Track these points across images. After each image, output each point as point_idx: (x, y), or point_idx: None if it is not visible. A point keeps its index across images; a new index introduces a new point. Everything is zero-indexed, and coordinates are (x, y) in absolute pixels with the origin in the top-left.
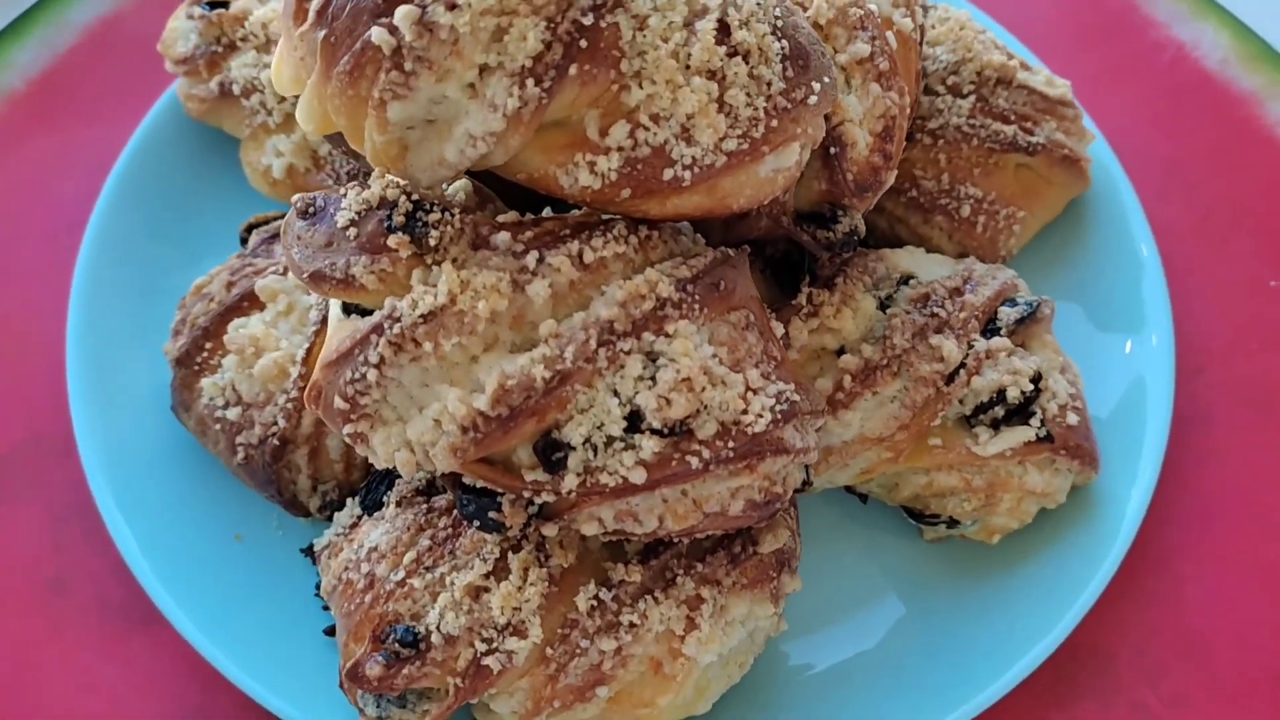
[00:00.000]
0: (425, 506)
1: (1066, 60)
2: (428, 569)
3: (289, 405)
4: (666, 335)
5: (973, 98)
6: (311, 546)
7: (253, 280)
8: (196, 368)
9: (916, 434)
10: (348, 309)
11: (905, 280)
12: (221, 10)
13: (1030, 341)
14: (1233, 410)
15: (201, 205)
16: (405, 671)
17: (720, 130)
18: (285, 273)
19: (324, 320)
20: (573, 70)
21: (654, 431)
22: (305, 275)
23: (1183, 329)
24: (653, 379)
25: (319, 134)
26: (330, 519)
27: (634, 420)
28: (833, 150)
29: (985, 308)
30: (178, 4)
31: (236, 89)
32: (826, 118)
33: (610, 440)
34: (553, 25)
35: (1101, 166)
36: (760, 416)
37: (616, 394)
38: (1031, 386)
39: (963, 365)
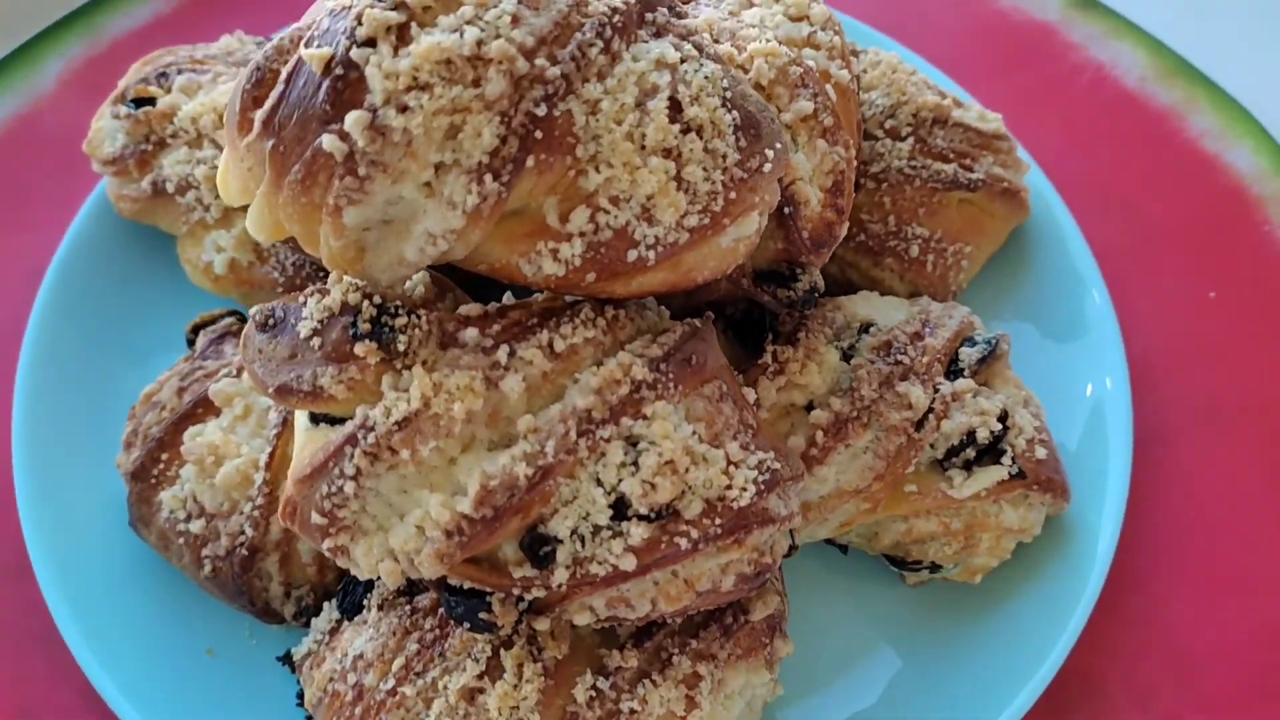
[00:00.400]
0: (409, 608)
1: (990, 88)
2: (418, 674)
3: (255, 513)
4: (645, 418)
5: (911, 140)
6: (289, 655)
7: (205, 385)
8: (153, 480)
9: (892, 483)
10: (316, 418)
11: (865, 328)
12: (148, 108)
13: (992, 379)
14: (1189, 425)
15: (142, 307)
16: None
17: (681, 208)
18: (239, 374)
19: (285, 423)
20: (530, 161)
21: (640, 517)
22: (271, 390)
23: (1131, 348)
24: (635, 464)
25: (270, 240)
26: (307, 625)
27: (620, 507)
28: (787, 210)
29: (946, 350)
30: (97, 98)
31: (170, 187)
32: (779, 179)
33: (597, 529)
34: (507, 119)
35: (1038, 194)
36: (744, 490)
37: (600, 483)
38: (1000, 425)
39: (930, 410)
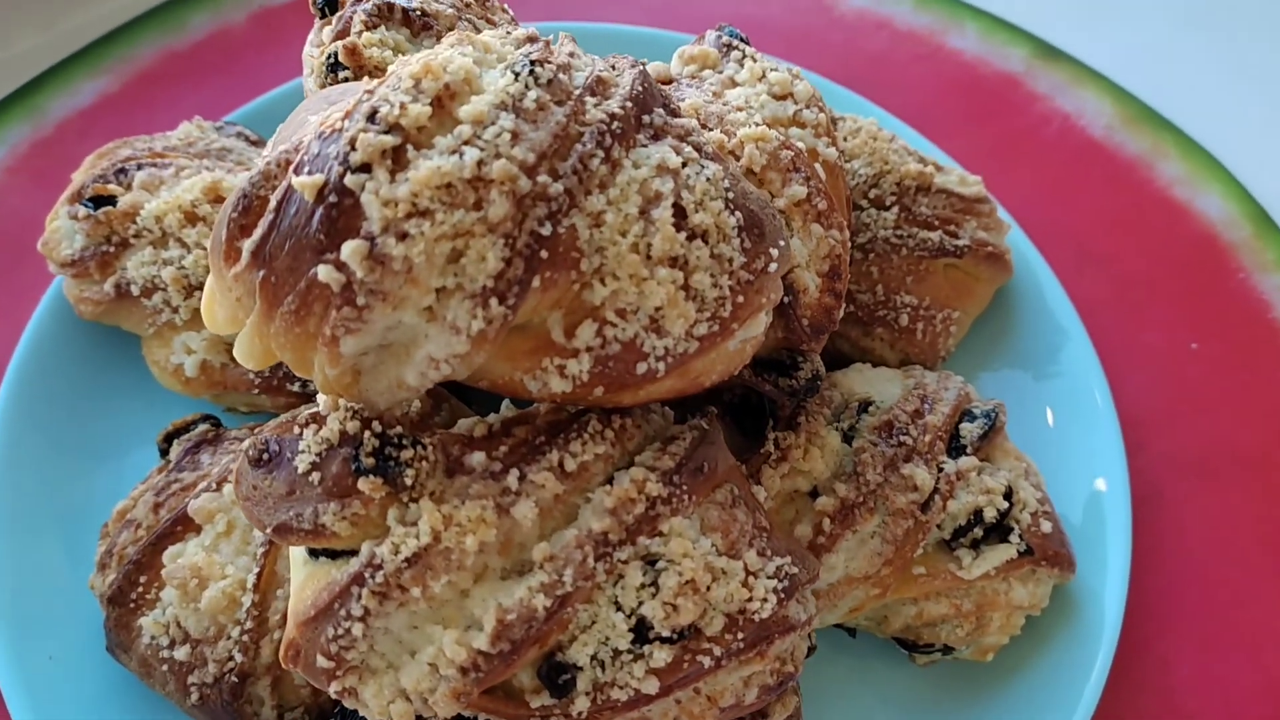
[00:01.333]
0: None
1: (961, 141)
2: None
3: (244, 638)
4: (661, 535)
5: (896, 208)
6: None
7: (183, 500)
8: (132, 605)
9: (901, 566)
10: (315, 552)
11: (865, 407)
12: (109, 208)
13: (993, 452)
14: (1180, 482)
15: (109, 406)
16: None
17: (691, 318)
18: (219, 487)
19: (272, 543)
20: (536, 282)
21: (662, 639)
22: (269, 530)
23: (1120, 403)
24: (655, 585)
25: (260, 367)
26: None
27: (641, 630)
28: (786, 299)
29: (946, 426)
30: (45, 183)
31: (135, 289)
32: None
33: (618, 653)
34: (511, 241)
35: (1018, 252)
36: (765, 601)
37: (619, 606)
38: (1006, 504)
39: (936, 491)
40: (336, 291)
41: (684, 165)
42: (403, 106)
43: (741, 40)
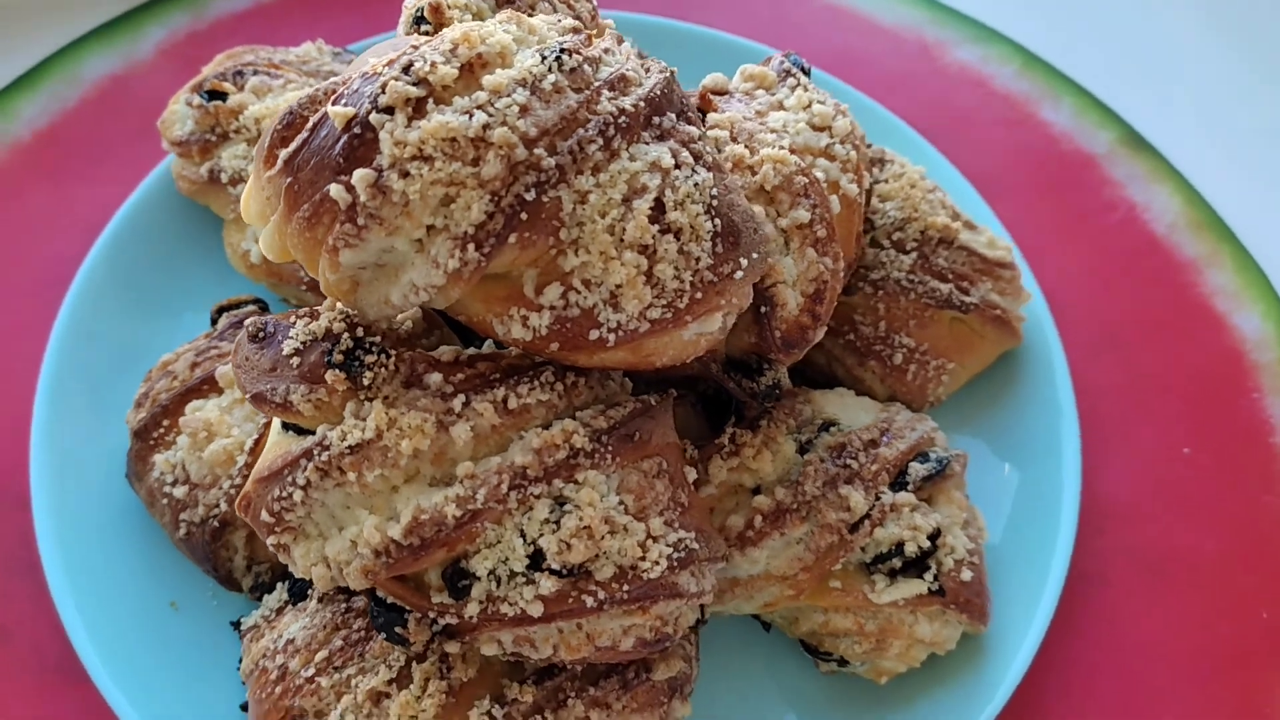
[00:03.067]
0: (344, 606)
1: (1021, 210)
2: (337, 669)
3: (232, 490)
4: (576, 483)
5: (915, 254)
6: (239, 622)
7: (216, 365)
8: (152, 442)
9: (818, 575)
10: (286, 426)
11: (827, 426)
12: (219, 102)
13: (937, 496)
14: (1129, 573)
15: (183, 279)
16: None
17: (645, 300)
18: None
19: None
20: (512, 239)
21: (553, 571)
22: (248, 396)
23: (1093, 487)
24: (557, 524)
25: (280, 260)
26: (260, 599)
27: (536, 559)
28: (763, 309)
29: (897, 461)
30: (189, 72)
31: (224, 177)
32: (760, 278)
33: (513, 575)
34: (496, 198)
35: (1035, 324)
36: (657, 564)
37: (523, 534)
38: (929, 543)
39: (867, 516)
40: (343, 209)
41: (677, 167)
42: (434, 65)
43: (802, 70)
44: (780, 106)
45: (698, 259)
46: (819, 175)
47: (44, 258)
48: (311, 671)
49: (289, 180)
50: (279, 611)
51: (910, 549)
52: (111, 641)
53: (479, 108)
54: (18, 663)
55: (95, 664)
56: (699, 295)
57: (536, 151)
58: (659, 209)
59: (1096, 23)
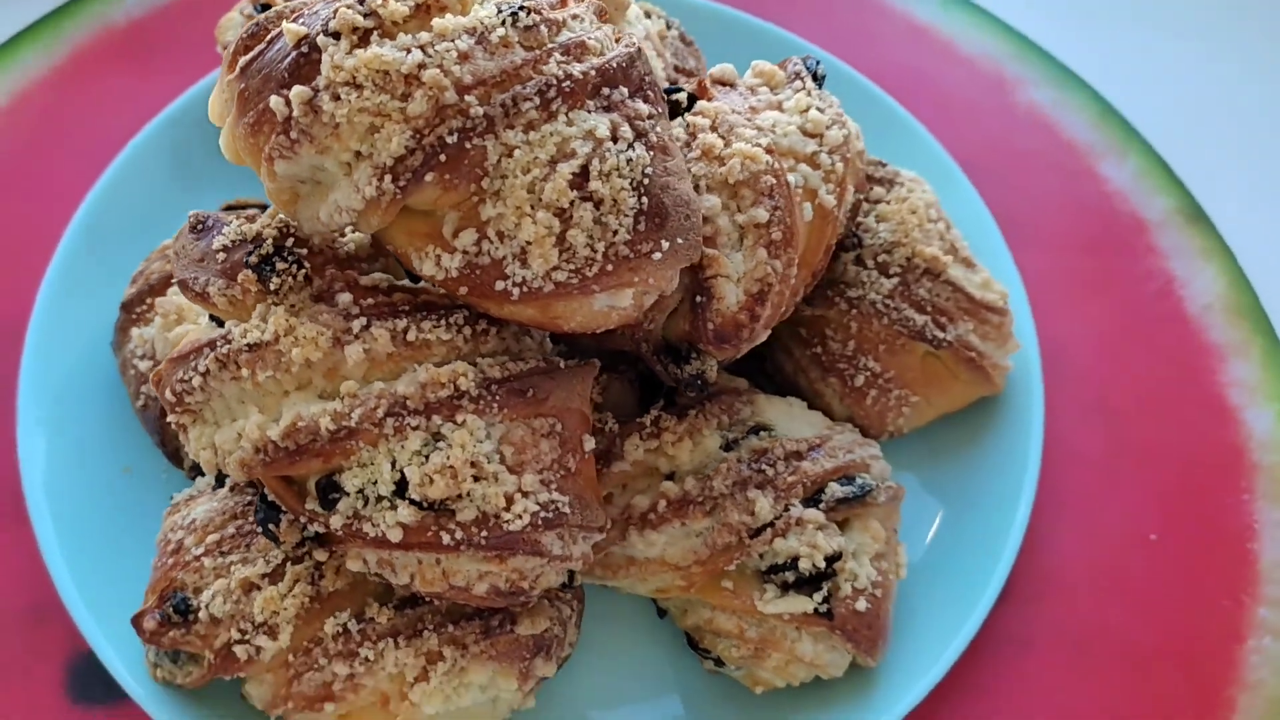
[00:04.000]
0: (247, 499)
1: (1052, 259)
2: (223, 554)
3: None
4: (455, 423)
5: (897, 280)
6: (173, 497)
7: None
8: (134, 316)
9: (711, 572)
10: (211, 317)
11: (758, 430)
12: (268, 13)
13: (854, 521)
14: (1055, 644)
15: (208, 175)
16: (171, 634)
17: (552, 261)
18: None
19: None
20: (429, 177)
21: (414, 502)
22: (175, 280)
23: (1041, 553)
24: (426, 457)
25: (232, 162)
26: (193, 479)
27: (401, 488)
28: (699, 299)
29: (817, 478)
30: None
31: None
32: (700, 268)
33: (379, 498)
34: (418, 135)
35: (1023, 374)
36: (520, 517)
37: (394, 461)
38: (825, 564)
39: (771, 524)
40: (279, 121)
41: (613, 140)
42: (384, 2)
43: (814, 76)
44: (778, 107)
45: (614, 232)
46: (794, 180)
47: (100, 133)
48: (200, 551)
49: (241, 86)
50: (200, 493)
51: (804, 565)
52: (61, 489)
53: (420, 47)
54: None
55: (39, 506)
56: (609, 268)
57: (467, 99)
58: (583, 176)
59: (1178, 77)
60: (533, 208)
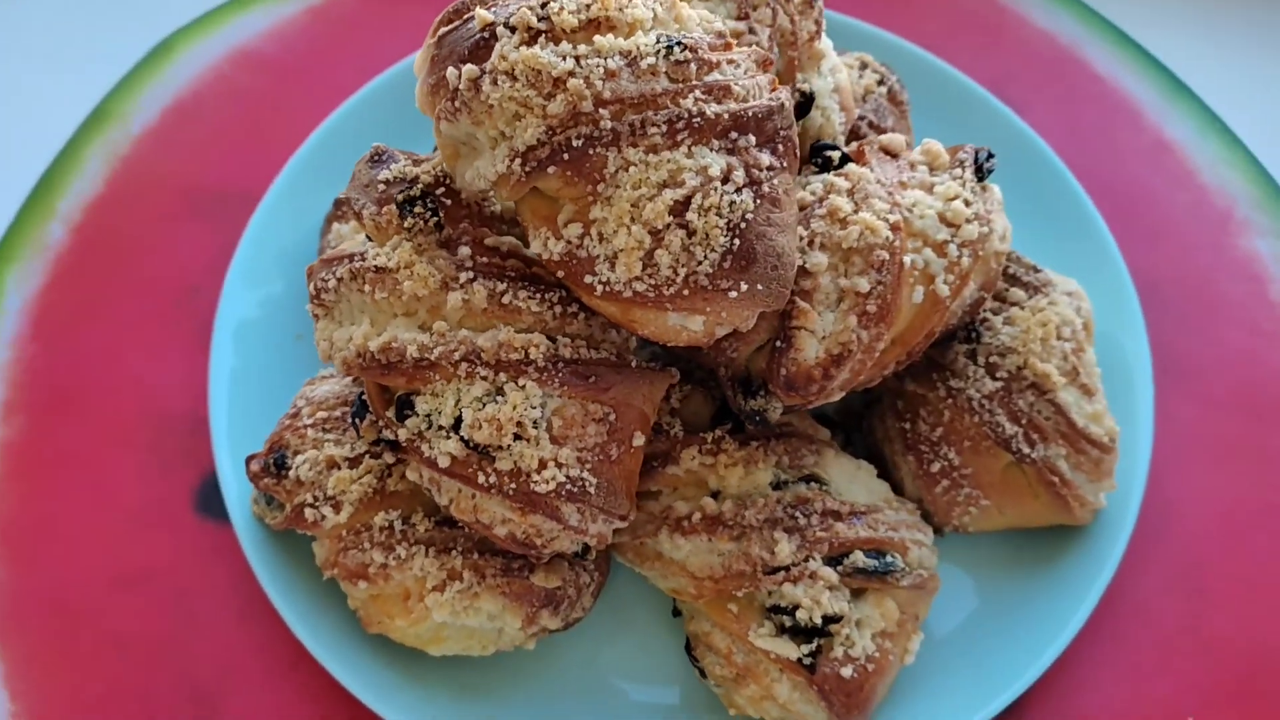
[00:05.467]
0: (359, 392)
1: (1206, 412)
2: (324, 430)
3: None
4: (517, 385)
5: (1000, 385)
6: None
7: None
8: (340, 213)
9: (721, 592)
10: (368, 235)
11: (810, 479)
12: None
13: (870, 594)
14: None
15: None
16: (266, 480)
17: (635, 272)
18: None
19: None
20: (551, 170)
21: (463, 440)
22: (343, 194)
23: (1059, 699)
24: (483, 405)
25: (423, 113)
26: None
27: (456, 424)
28: (779, 344)
29: (846, 543)
30: None
31: None
32: (788, 316)
33: (439, 427)
34: (551, 132)
35: (1115, 521)
36: (546, 483)
37: (458, 400)
38: (820, 622)
39: (787, 569)
40: (449, 89)
41: (724, 181)
42: (563, 9)
43: (979, 168)
44: (928, 188)
45: (699, 262)
46: (914, 260)
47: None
48: (310, 421)
49: (435, 51)
50: (333, 375)
51: (801, 616)
52: (243, 334)
53: (575, 57)
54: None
55: (223, 342)
56: (685, 292)
57: (601, 112)
58: (685, 205)
59: None
60: (632, 221)
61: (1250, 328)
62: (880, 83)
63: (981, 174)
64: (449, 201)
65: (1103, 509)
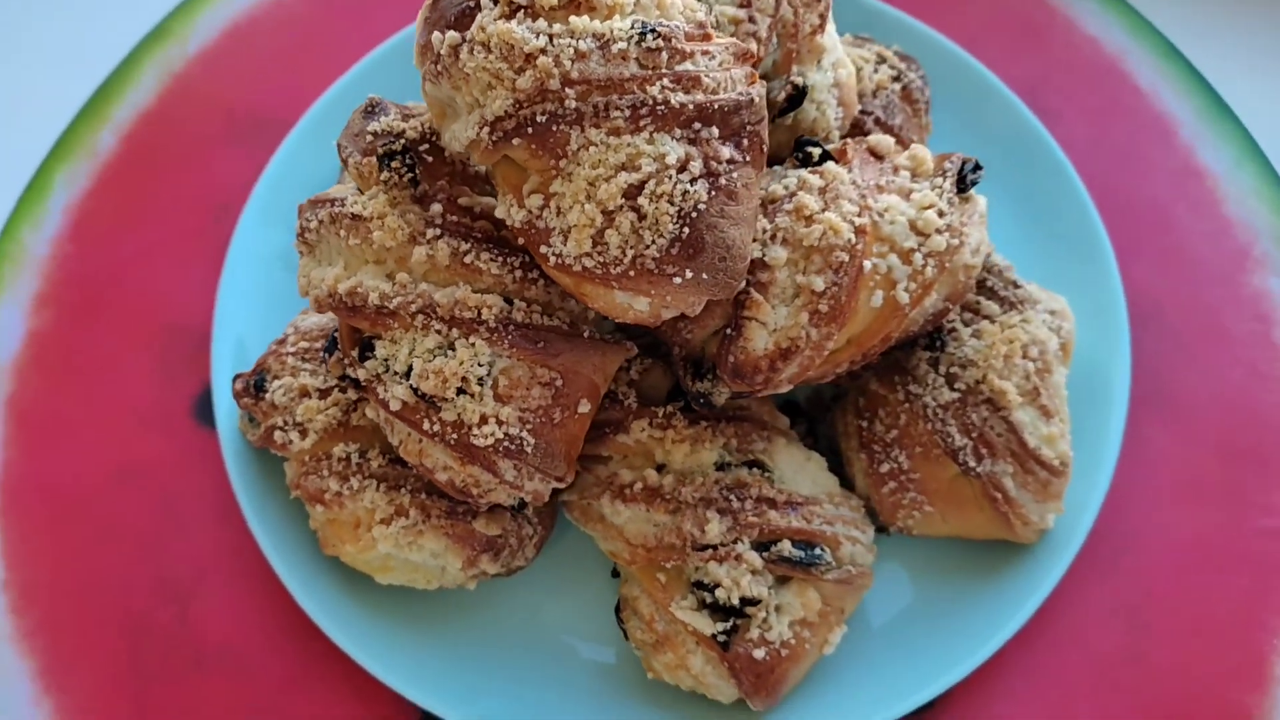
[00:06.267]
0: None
1: (1189, 451)
2: (303, 360)
3: None
4: (466, 340)
5: (956, 396)
6: None
7: None
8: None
9: (652, 561)
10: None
11: (754, 464)
12: None
13: (795, 583)
14: None
15: None
16: (245, 400)
17: (584, 249)
18: None
19: None
20: (516, 141)
21: (412, 388)
22: (336, 141)
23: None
24: (434, 357)
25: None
26: None
27: (408, 371)
28: (729, 331)
29: (776, 531)
30: None
31: None
32: (740, 305)
33: (394, 372)
34: (518, 105)
35: (1061, 541)
36: (485, 437)
37: (413, 349)
38: (738, 603)
39: (715, 548)
40: (432, 53)
41: (680, 170)
42: None
43: (961, 179)
44: (905, 194)
45: (647, 246)
46: (876, 265)
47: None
48: (293, 350)
49: (428, 14)
50: None
51: (720, 595)
52: (253, 264)
53: (548, 35)
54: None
55: (235, 268)
56: (631, 274)
57: (568, 91)
58: (638, 189)
59: None
60: (586, 199)
61: (1248, 367)
62: (896, 79)
63: (964, 185)
64: (430, 159)
65: (1048, 530)
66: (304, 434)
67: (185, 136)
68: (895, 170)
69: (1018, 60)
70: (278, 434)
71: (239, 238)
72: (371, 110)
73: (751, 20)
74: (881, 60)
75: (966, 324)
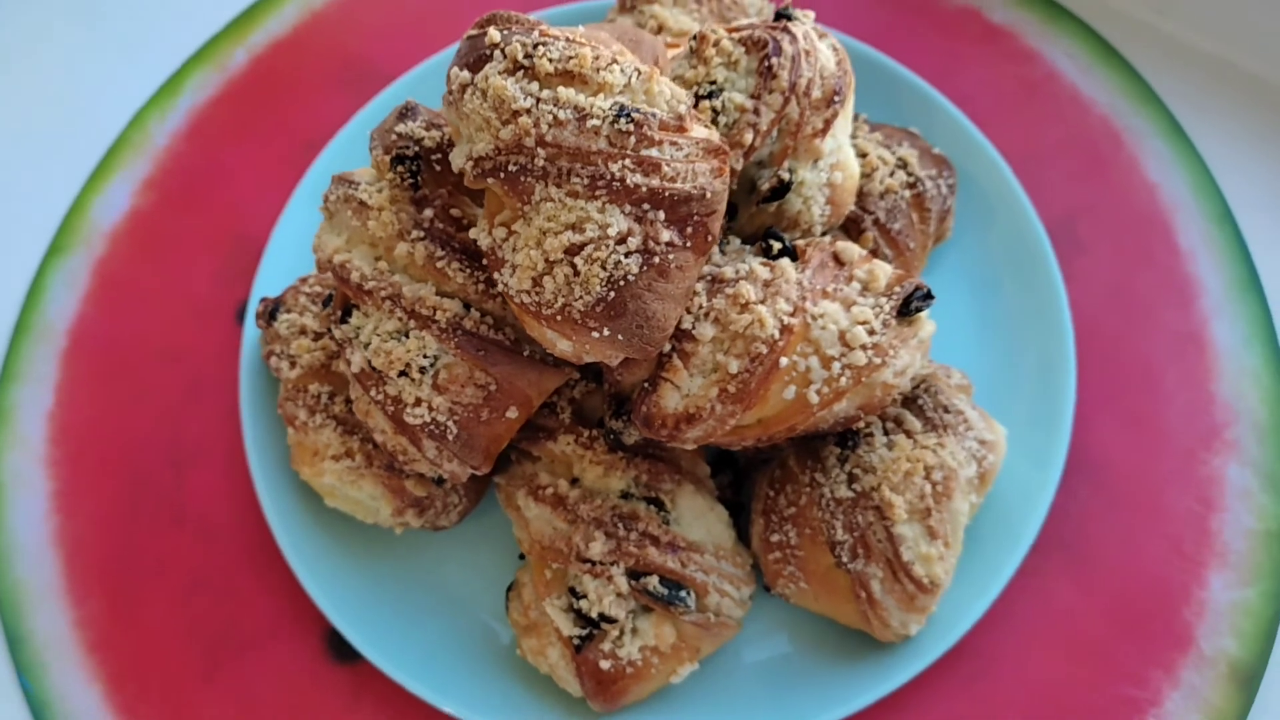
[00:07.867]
0: None
1: (1091, 604)
2: (313, 302)
3: None
4: (419, 333)
5: (850, 496)
6: None
7: None
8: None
9: (543, 557)
10: None
11: (654, 502)
12: None
13: (657, 615)
14: None
15: None
16: (260, 322)
17: (524, 287)
18: None
19: None
20: (490, 181)
21: (366, 359)
22: (370, 132)
23: None
24: (387, 340)
25: None
26: None
27: (365, 345)
28: (647, 385)
29: (649, 565)
30: None
31: None
32: (661, 365)
33: (360, 341)
34: (498, 150)
35: (919, 646)
36: (416, 417)
37: (376, 327)
38: (596, 617)
39: (593, 564)
40: (448, 87)
41: (618, 242)
42: (545, 56)
43: (906, 304)
44: (848, 306)
45: (576, 299)
46: (796, 363)
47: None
48: (307, 291)
49: (460, 48)
50: None
51: (584, 605)
52: (298, 221)
53: (536, 97)
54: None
55: (301, 200)
56: (558, 318)
57: (539, 151)
58: (578, 249)
59: None
60: (535, 245)
61: (1173, 544)
62: (911, 186)
63: (907, 310)
64: (439, 168)
65: (910, 636)
66: (292, 365)
67: (304, 71)
68: (849, 280)
69: (1071, 182)
70: (274, 359)
71: (311, 174)
72: (404, 113)
73: (756, 111)
74: (901, 165)
75: (887, 433)
